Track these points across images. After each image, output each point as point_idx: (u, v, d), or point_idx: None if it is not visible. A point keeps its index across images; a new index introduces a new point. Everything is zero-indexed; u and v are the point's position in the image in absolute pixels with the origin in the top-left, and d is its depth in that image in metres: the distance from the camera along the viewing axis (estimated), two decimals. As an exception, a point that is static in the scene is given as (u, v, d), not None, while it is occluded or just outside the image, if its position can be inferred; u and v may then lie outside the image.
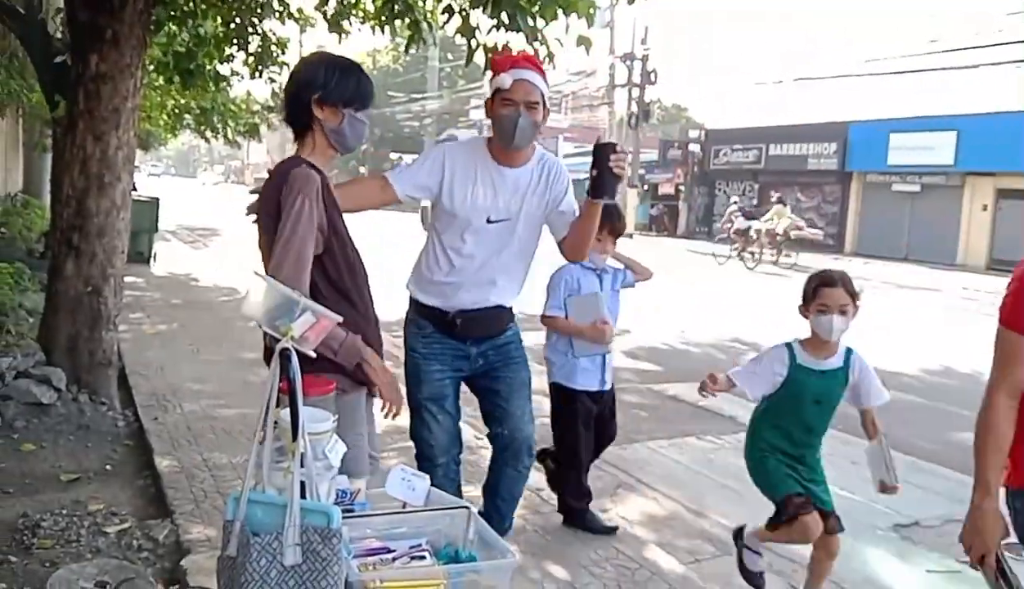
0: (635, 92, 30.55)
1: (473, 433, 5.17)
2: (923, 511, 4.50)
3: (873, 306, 13.52)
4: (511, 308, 3.20)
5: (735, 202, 22.91)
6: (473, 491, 4.05)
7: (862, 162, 26.77)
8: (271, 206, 2.24)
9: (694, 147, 33.65)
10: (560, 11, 4.44)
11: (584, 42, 4.47)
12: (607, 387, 3.83)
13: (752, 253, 19.79)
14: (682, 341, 9.41)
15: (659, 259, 21.20)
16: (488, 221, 2.95)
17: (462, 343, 3.10)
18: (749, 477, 3.20)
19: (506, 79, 2.83)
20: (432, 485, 2.07)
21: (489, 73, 3.16)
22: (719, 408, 6.33)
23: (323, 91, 2.30)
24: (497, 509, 3.31)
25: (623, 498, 4.33)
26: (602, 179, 2.79)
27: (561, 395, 3.78)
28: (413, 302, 3.15)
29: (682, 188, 33.55)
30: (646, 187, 33.85)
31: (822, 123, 28.59)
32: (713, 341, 9.39)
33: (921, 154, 24.62)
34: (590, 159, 2.79)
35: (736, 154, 31.14)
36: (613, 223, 3.62)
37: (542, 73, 2.92)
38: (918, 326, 11.83)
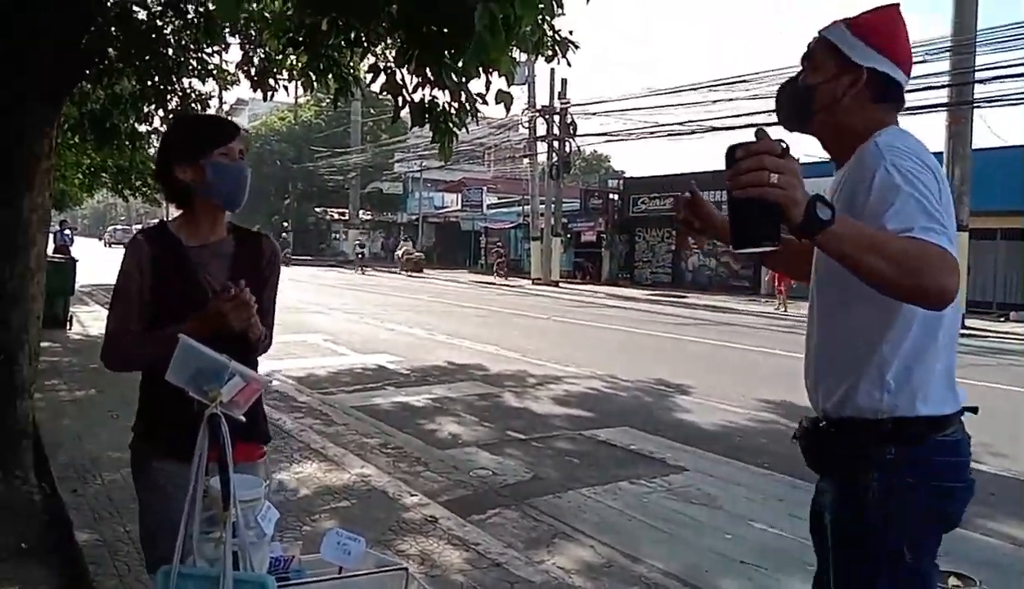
0: (555, 144, 31.16)
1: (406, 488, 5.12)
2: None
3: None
4: None
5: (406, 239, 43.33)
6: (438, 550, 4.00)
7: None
8: None
9: (614, 196, 34.42)
10: (481, 69, 4.51)
11: (504, 99, 4.55)
12: None
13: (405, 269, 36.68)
14: (608, 385, 9.52)
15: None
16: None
17: None
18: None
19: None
20: None
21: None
22: (650, 452, 6.42)
23: (176, 152, 2.18)
24: None
25: (560, 548, 4.33)
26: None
27: None
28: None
29: (604, 236, 34.21)
30: (569, 235, 34.41)
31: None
32: (637, 383, 9.52)
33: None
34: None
35: (654, 202, 31.77)
36: None
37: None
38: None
